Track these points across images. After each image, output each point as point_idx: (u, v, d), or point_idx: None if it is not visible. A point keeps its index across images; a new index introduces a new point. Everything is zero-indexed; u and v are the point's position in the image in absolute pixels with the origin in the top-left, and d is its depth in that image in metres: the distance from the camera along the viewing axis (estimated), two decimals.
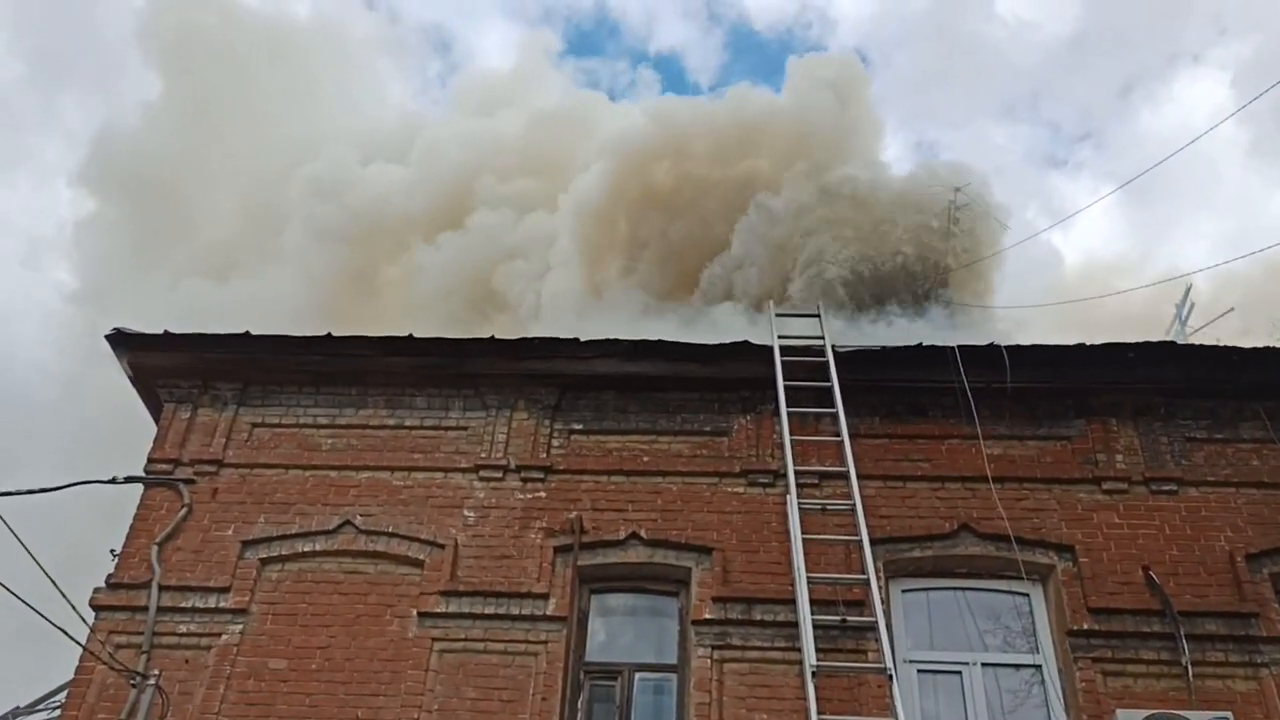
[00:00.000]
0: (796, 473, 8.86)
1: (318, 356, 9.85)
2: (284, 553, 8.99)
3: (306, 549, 9.02)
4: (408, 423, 9.75)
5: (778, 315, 10.46)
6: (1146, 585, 8.35)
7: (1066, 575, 8.51)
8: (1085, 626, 8.24)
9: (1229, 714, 7.48)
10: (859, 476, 8.83)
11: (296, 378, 9.93)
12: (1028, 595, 8.69)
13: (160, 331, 9.87)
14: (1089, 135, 50.72)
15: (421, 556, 8.90)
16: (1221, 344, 9.70)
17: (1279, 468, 8.88)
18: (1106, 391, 9.29)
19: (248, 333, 9.83)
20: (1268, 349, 9.25)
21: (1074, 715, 7.97)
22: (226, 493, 9.36)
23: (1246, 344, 9.41)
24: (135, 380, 9.99)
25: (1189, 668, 7.92)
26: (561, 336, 9.88)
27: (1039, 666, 8.37)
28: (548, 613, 8.57)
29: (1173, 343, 10.16)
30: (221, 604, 8.72)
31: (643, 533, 8.96)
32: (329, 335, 9.85)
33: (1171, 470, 8.96)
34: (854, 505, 8.48)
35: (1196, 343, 12.41)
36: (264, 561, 8.95)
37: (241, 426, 9.77)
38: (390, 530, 9.06)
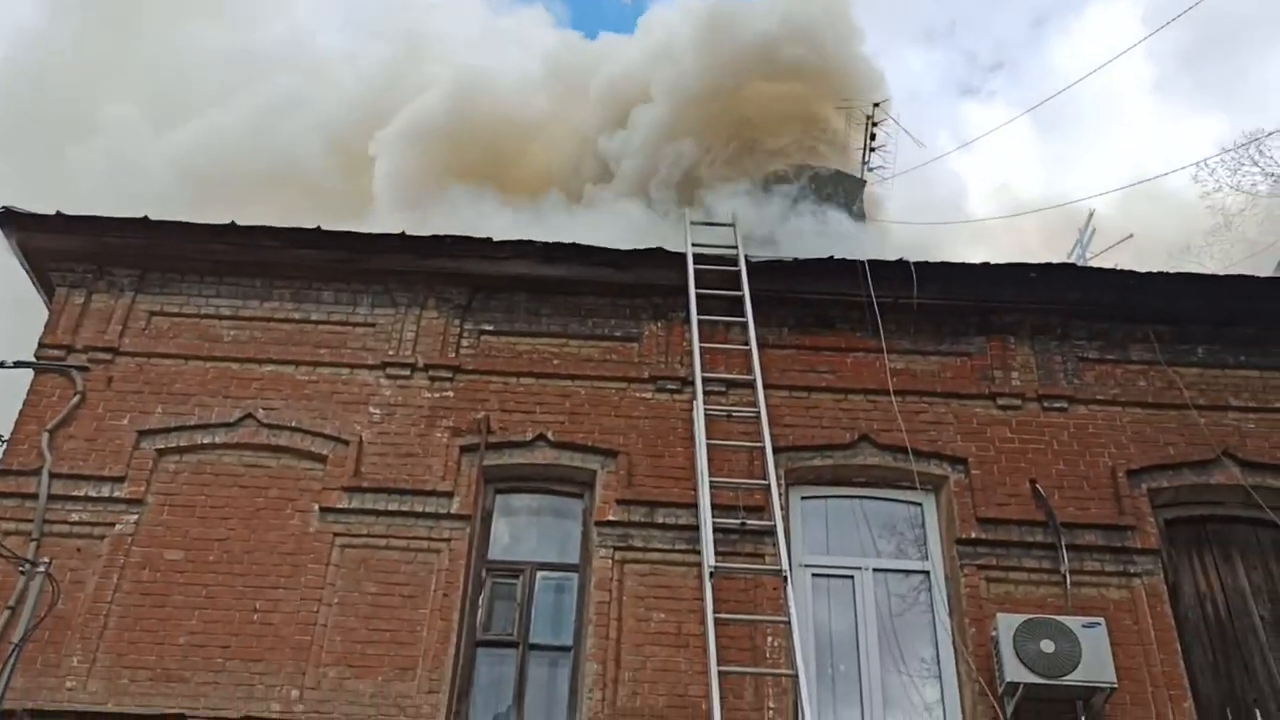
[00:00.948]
0: (704, 380, 8.96)
1: (221, 245, 9.59)
2: (182, 444, 8.83)
3: (206, 441, 8.87)
4: (314, 317, 9.58)
5: (692, 224, 10.47)
6: (1033, 497, 8.68)
7: (958, 486, 8.81)
8: (973, 535, 8.55)
9: (1102, 620, 7.83)
10: (765, 386, 8.97)
11: (198, 266, 9.65)
12: (920, 505, 8.98)
13: (53, 212, 9.49)
14: (1002, 65, 51.24)
15: (325, 452, 8.82)
16: (1117, 267, 9.97)
17: (1164, 389, 9.25)
18: (1008, 310, 9.53)
19: (146, 217, 9.51)
20: (1160, 274, 9.55)
21: (957, 619, 8.31)
22: (122, 381, 9.12)
23: (1142, 269, 9.69)
24: (26, 262, 9.61)
25: (1067, 576, 8.29)
26: (474, 235, 9.74)
27: (927, 573, 8.68)
28: (452, 511, 8.60)
29: (1073, 265, 10.44)
30: (116, 494, 8.55)
31: (549, 434, 9.00)
32: (233, 224, 9.58)
33: (1063, 389, 9.27)
34: (759, 413, 8.62)
35: (1095, 265, 12.74)
36: (161, 452, 8.78)
37: (139, 314, 9.49)
38: (293, 425, 8.95)
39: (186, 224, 9.61)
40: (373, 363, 9.32)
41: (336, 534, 8.47)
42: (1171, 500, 8.83)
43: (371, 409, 9.09)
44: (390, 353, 9.37)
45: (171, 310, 9.54)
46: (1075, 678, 7.53)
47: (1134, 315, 9.48)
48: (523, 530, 8.97)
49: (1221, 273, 9.70)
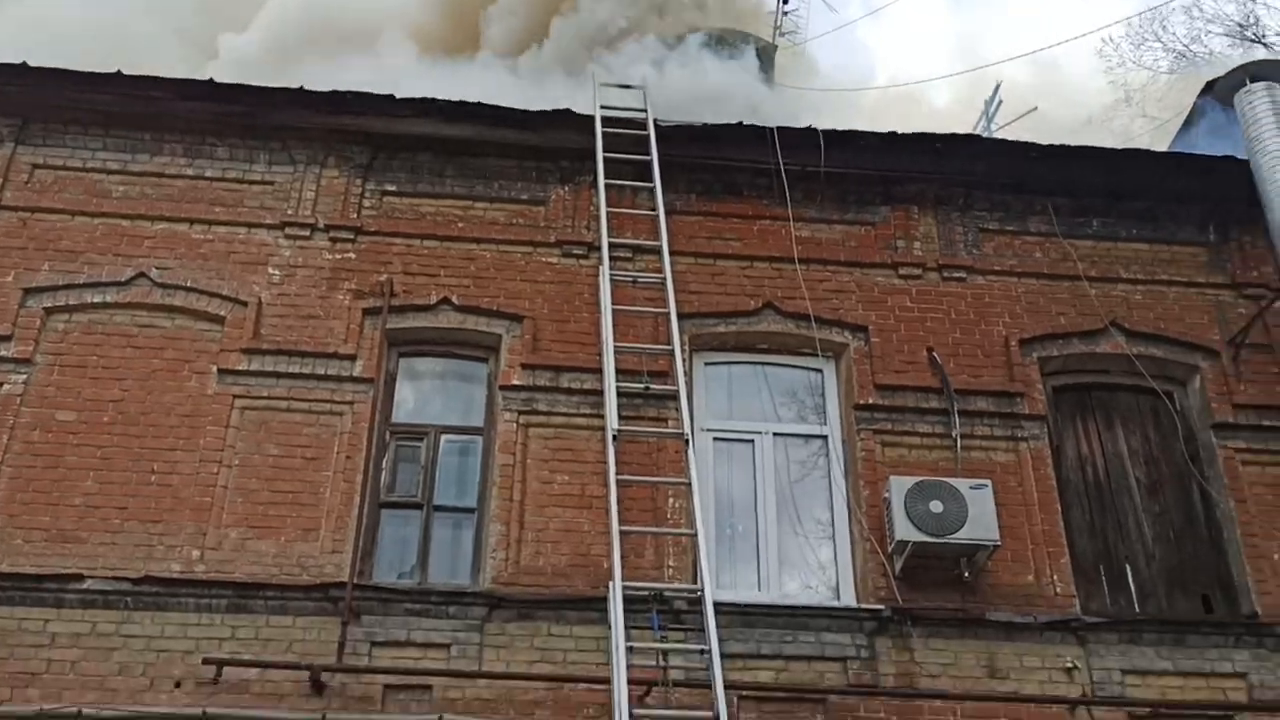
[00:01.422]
0: (610, 245, 8.90)
1: (107, 95, 9.13)
2: (71, 303, 8.55)
3: (97, 300, 8.60)
4: (208, 174, 9.25)
5: (601, 86, 10.26)
6: (929, 365, 8.91)
7: (858, 354, 8.99)
8: (871, 401, 8.78)
9: (988, 482, 8.14)
10: (671, 252, 8.96)
11: (83, 117, 9.20)
12: (821, 372, 9.16)
13: None
14: None
15: (222, 313, 8.63)
16: (1021, 140, 10.08)
17: (1058, 260, 9.48)
18: (912, 180, 9.62)
19: (25, 63, 8.99)
20: (1060, 146, 9.68)
21: (852, 481, 8.58)
22: (5, 237, 8.75)
23: (1044, 141, 9.81)
24: None
25: (958, 440, 8.59)
26: (376, 92, 9.41)
27: (825, 437, 8.92)
28: (354, 374, 8.52)
29: (976, 136, 10.54)
30: (2, 353, 8.28)
31: (454, 298, 8.92)
32: (119, 73, 9.12)
33: (963, 259, 9.44)
34: (664, 279, 8.62)
35: (999, 137, 12.88)
36: (49, 311, 8.50)
37: (20, 167, 9.06)
38: (189, 285, 8.71)
39: (68, 71, 9.10)
40: (271, 222, 9.06)
41: (236, 396, 8.35)
42: (1060, 368, 9.15)
43: (270, 270, 8.88)
44: (289, 212, 9.12)
45: (56, 163, 9.12)
46: (961, 536, 7.85)
47: (1034, 187, 9.65)
48: (427, 394, 8.95)
49: (1119, 147, 9.85)
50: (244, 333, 8.54)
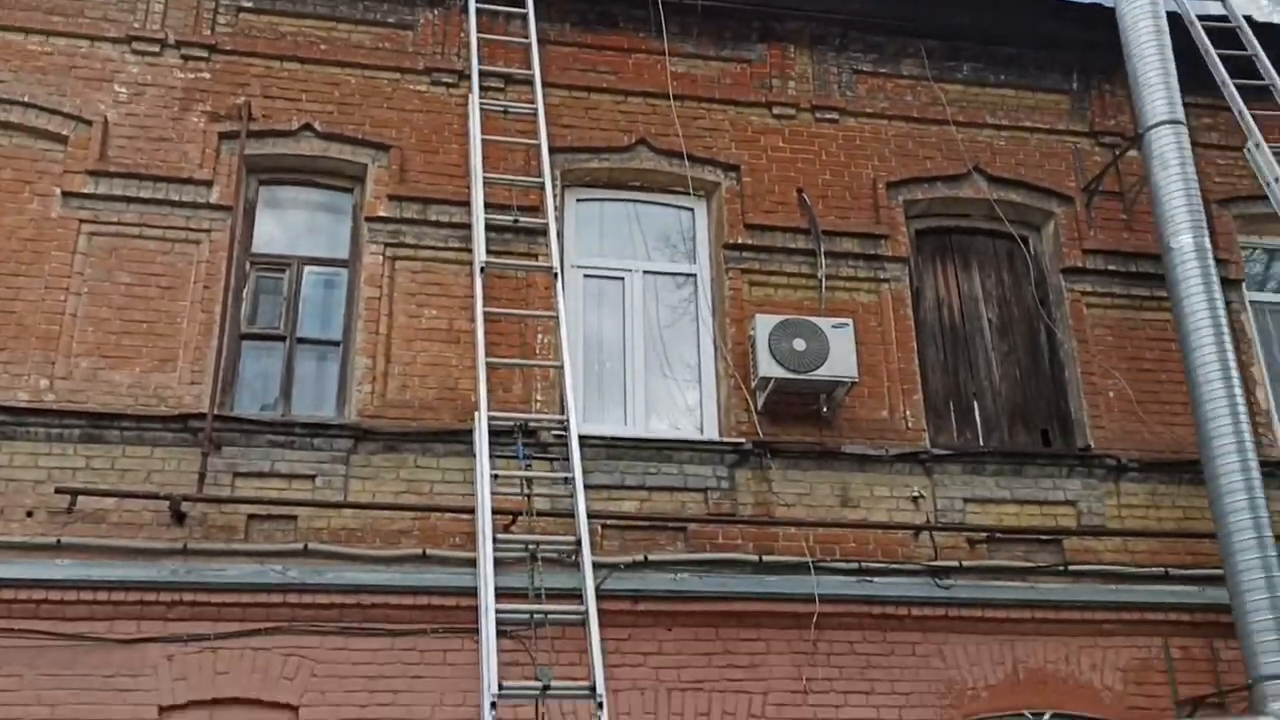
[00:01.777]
0: (481, 74, 8.59)
1: None
2: None
3: None
4: None
5: None
6: (799, 205, 9.00)
7: (730, 193, 9.01)
8: (740, 240, 8.84)
9: (850, 321, 8.35)
10: (544, 84, 8.68)
11: None
12: (693, 210, 9.17)
13: None
14: None
15: (65, 132, 8.12)
16: None
17: (928, 104, 9.57)
18: (789, 18, 9.49)
19: None
20: None
21: (719, 319, 8.71)
22: None
23: None
24: None
25: (823, 280, 8.76)
26: None
27: (694, 276, 8.99)
28: (211, 201, 8.17)
29: None
30: None
31: (317, 125, 8.56)
32: None
33: (836, 100, 9.44)
34: (536, 110, 8.41)
35: None
36: None
37: None
38: (26, 100, 8.16)
39: None
40: (116, 36, 8.48)
41: (82, 220, 7.94)
42: (924, 212, 9.35)
43: (117, 87, 8.36)
44: (136, 25, 8.54)
45: None
46: (821, 373, 8.08)
47: (909, 29, 9.63)
48: (289, 224, 8.66)
49: None
50: (89, 154, 8.07)
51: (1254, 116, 8.77)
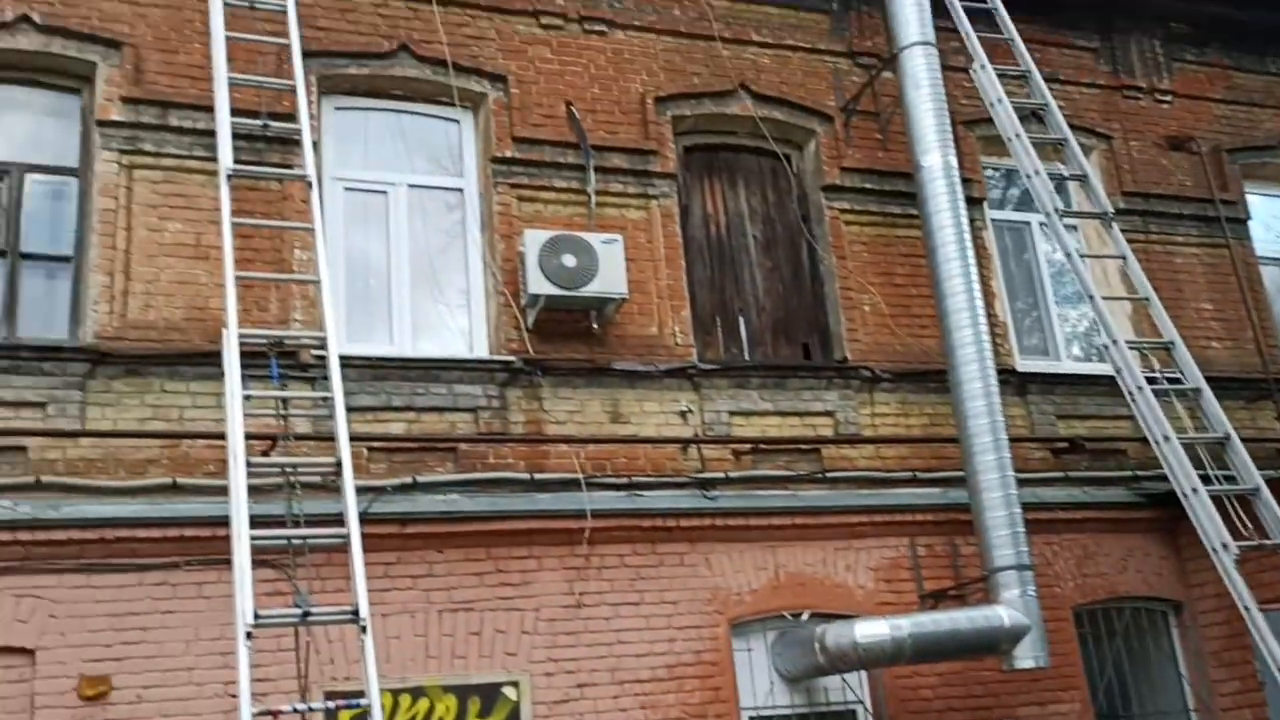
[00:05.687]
0: None
1: None
2: None
3: None
4: None
5: None
6: (568, 120, 8.84)
7: (497, 105, 8.74)
8: (508, 154, 8.62)
9: (620, 237, 8.31)
10: None
11: None
12: (459, 122, 8.86)
13: None
14: None
15: None
16: None
17: (696, 19, 9.52)
18: None
19: None
20: None
21: (488, 235, 8.51)
22: None
23: None
24: None
25: (593, 196, 8.68)
26: None
27: (461, 190, 8.73)
28: None
29: None
30: None
31: (35, 16, 7.71)
32: None
33: (604, 12, 9.27)
34: (287, 8, 7.79)
35: None
36: None
37: None
38: None
39: None
40: None
41: None
42: (692, 128, 9.38)
43: None
44: None
45: None
46: (591, 289, 8.04)
47: None
48: (8, 128, 7.80)
49: None
50: None
51: (983, 39, 9.19)
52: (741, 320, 9.13)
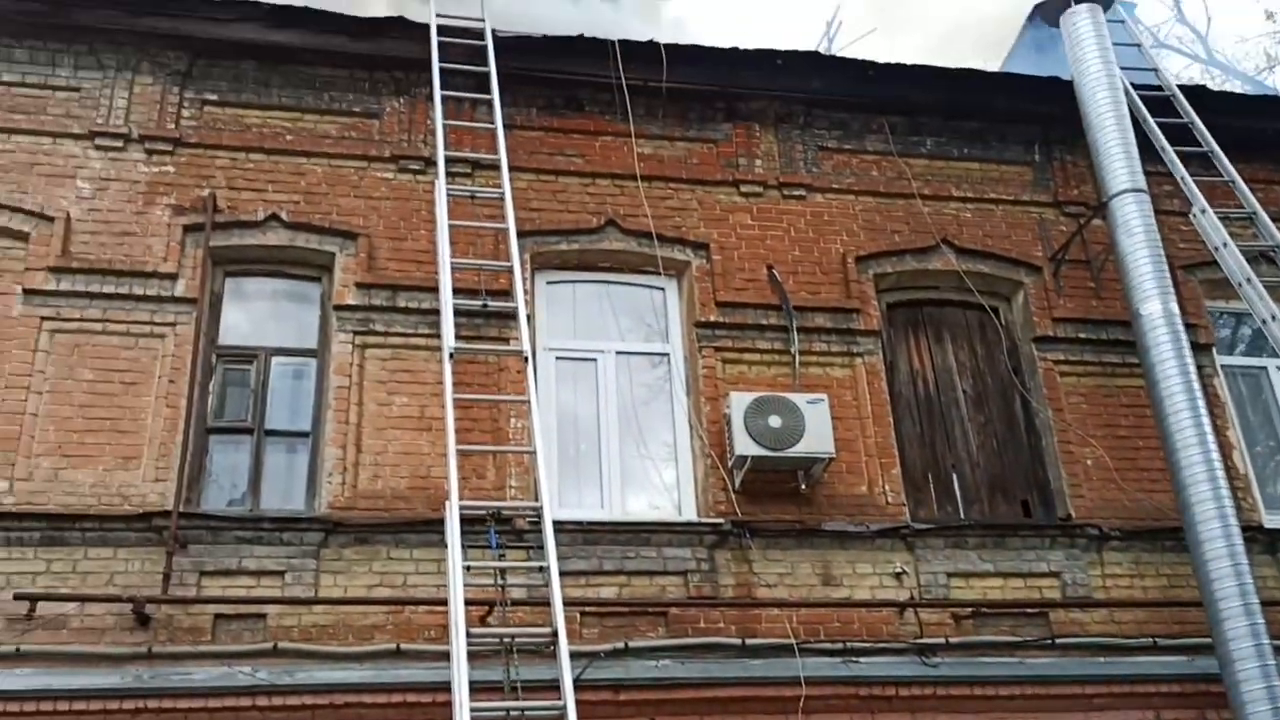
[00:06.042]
0: (448, 159, 8.58)
1: None
2: None
3: None
4: (5, 78, 8.56)
5: None
6: (769, 282, 9.00)
7: (700, 271, 9.00)
8: (712, 319, 8.82)
9: (825, 396, 8.31)
10: (511, 168, 8.66)
11: None
12: (664, 289, 9.15)
13: None
14: None
15: (26, 229, 8.03)
16: (861, 58, 10.15)
17: (894, 179, 9.65)
18: (754, 97, 9.60)
19: None
20: (896, 65, 9.79)
21: (694, 398, 8.64)
22: None
23: (882, 60, 9.91)
24: None
25: (796, 356, 8.73)
26: None
27: (667, 355, 8.94)
28: (176, 294, 8.08)
29: (816, 53, 10.52)
30: None
31: (283, 215, 8.53)
32: None
33: (802, 177, 9.51)
34: (504, 195, 8.40)
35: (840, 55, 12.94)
36: None
37: None
38: None
39: None
40: (79, 132, 8.45)
41: (44, 318, 7.82)
42: (894, 285, 9.37)
43: (80, 183, 8.30)
44: (99, 121, 8.52)
45: None
46: (798, 449, 8.01)
47: (872, 106, 9.76)
48: (256, 314, 8.57)
49: (954, 66, 10.03)
50: (51, 250, 7.98)
51: (1199, 182, 8.89)
52: (955, 477, 8.87)
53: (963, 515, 8.69)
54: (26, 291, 7.85)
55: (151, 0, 8.67)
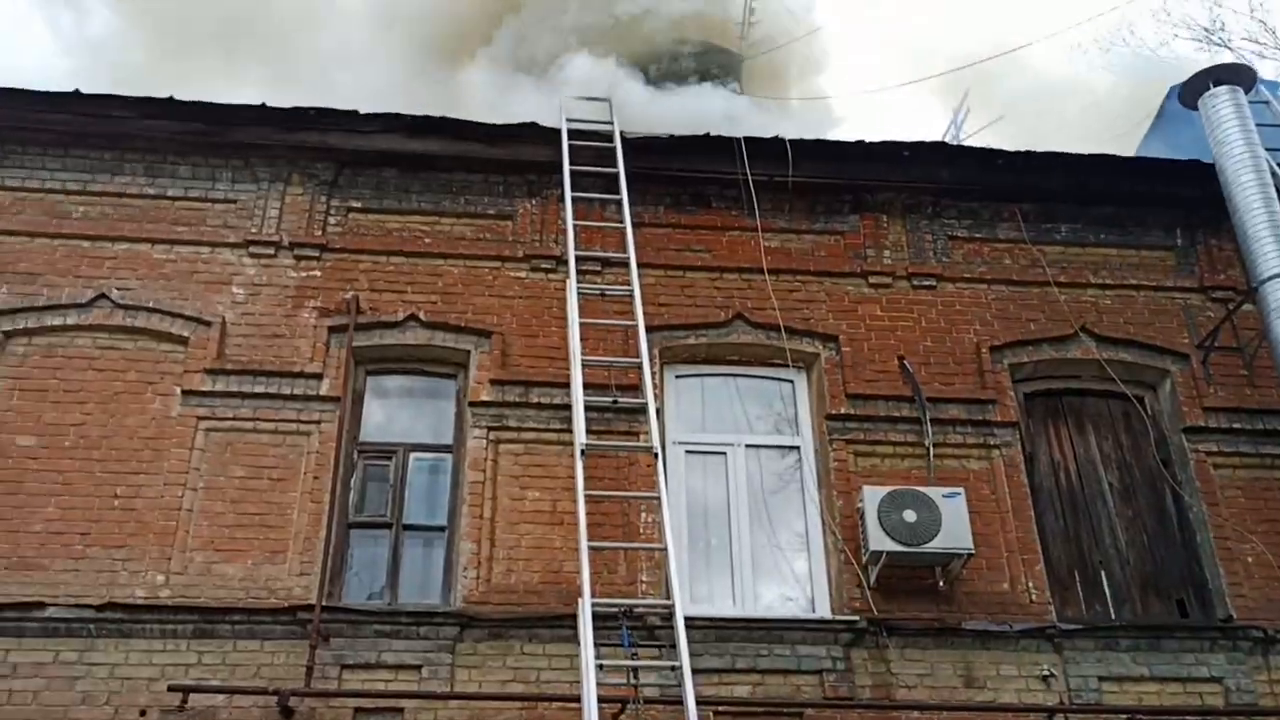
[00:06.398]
0: (578, 258, 8.82)
1: (66, 115, 9.01)
2: (30, 326, 8.41)
3: (57, 323, 8.46)
4: (170, 193, 9.13)
5: (567, 98, 10.22)
6: (901, 373, 8.88)
7: (829, 363, 8.95)
8: (842, 411, 8.73)
9: (962, 490, 8.11)
10: (640, 265, 8.86)
11: (41, 138, 9.07)
12: (793, 382, 9.11)
13: None
14: None
15: (186, 333, 8.51)
16: (988, 146, 10.09)
17: (1027, 266, 9.48)
18: (881, 189, 9.59)
19: None
20: (1027, 152, 9.68)
21: (826, 492, 8.53)
22: None
23: (1012, 149, 9.81)
24: None
25: (930, 449, 8.55)
26: (340, 108, 9.33)
27: (798, 448, 8.87)
28: (321, 393, 8.41)
29: (943, 143, 10.53)
30: None
31: (422, 315, 8.83)
32: (77, 92, 9.02)
33: (933, 267, 9.42)
34: (633, 292, 8.55)
35: (968, 144, 12.89)
36: (8, 335, 8.36)
37: None
38: (151, 305, 8.59)
39: (26, 91, 8.98)
40: (234, 241, 8.96)
41: (200, 417, 8.23)
42: (1031, 374, 9.14)
43: (234, 289, 8.77)
44: (253, 230, 9.01)
45: (13, 184, 8.98)
46: (935, 545, 7.82)
47: (1002, 194, 9.65)
48: (395, 411, 8.85)
49: (1086, 152, 9.85)
50: (208, 353, 8.42)
51: None
52: (1103, 574, 8.50)
53: (1113, 615, 8.30)
54: (185, 393, 8.29)
55: (302, 116, 9.20)
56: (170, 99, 9.05)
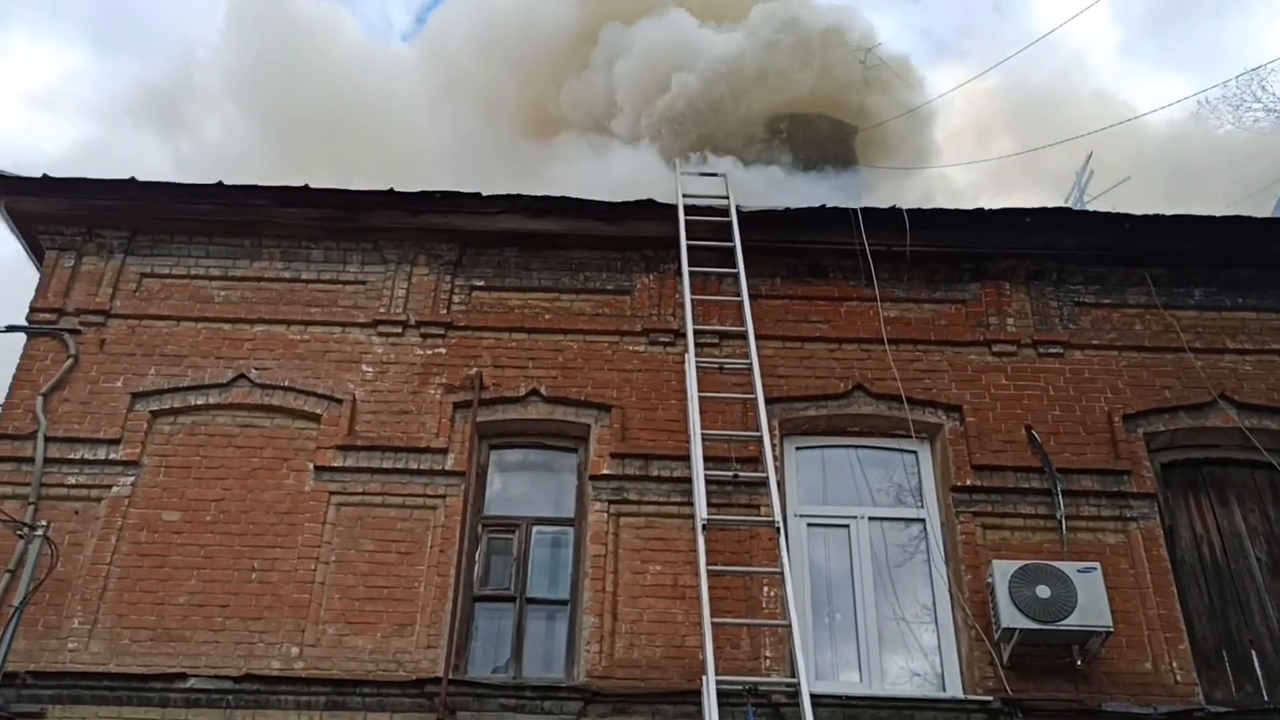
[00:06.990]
0: (696, 332, 8.90)
1: (208, 205, 9.52)
2: (176, 405, 8.83)
3: (200, 402, 8.86)
4: (304, 276, 9.54)
5: (683, 174, 10.39)
6: (1028, 443, 8.65)
7: (953, 434, 8.78)
8: (968, 482, 8.54)
9: (1097, 565, 7.83)
10: (758, 337, 8.90)
11: (186, 227, 9.59)
12: (915, 453, 8.96)
13: (40, 175, 9.44)
14: (969, 30, 50.61)
15: (318, 411, 8.82)
16: (1114, 210, 9.85)
17: (1160, 332, 9.19)
18: (1002, 256, 9.45)
19: (133, 179, 9.45)
20: (1156, 216, 9.43)
21: (953, 566, 8.32)
22: (115, 344, 9.10)
23: (1139, 212, 9.57)
24: (16, 226, 9.56)
25: (1063, 521, 8.29)
26: (463, 190, 9.66)
27: (923, 520, 8.68)
28: (446, 467, 8.60)
29: (1067, 208, 10.34)
30: (112, 456, 8.56)
31: (543, 389, 8.98)
32: (219, 184, 9.51)
33: (1059, 334, 9.21)
34: (751, 364, 8.56)
35: (1092, 209, 12.61)
36: (155, 414, 8.78)
37: (130, 276, 9.45)
38: (286, 384, 8.93)
39: (172, 184, 9.55)
40: (364, 320, 9.29)
41: (332, 492, 8.49)
42: (1168, 444, 8.81)
43: (364, 367, 9.07)
44: (382, 310, 9.33)
45: (162, 271, 9.50)
46: (1071, 622, 7.55)
47: (1130, 258, 9.40)
48: (518, 485, 8.98)
49: (1219, 213, 9.55)
50: (339, 430, 8.70)
51: None
52: (1253, 654, 8.06)
53: (1266, 697, 7.85)
54: (318, 468, 8.56)
55: (428, 199, 9.54)
56: (305, 187, 9.49)
